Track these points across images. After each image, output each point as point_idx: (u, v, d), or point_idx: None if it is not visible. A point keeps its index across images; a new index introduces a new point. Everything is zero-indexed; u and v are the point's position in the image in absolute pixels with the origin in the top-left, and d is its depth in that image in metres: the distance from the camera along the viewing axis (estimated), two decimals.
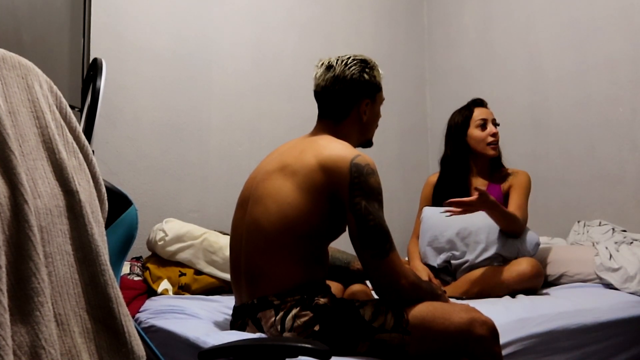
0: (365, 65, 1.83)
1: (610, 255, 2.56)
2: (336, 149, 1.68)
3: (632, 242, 2.70)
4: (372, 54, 3.84)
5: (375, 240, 1.59)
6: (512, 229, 2.55)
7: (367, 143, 1.94)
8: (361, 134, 1.88)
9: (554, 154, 3.33)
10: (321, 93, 1.84)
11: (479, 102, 2.84)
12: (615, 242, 2.70)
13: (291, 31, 3.46)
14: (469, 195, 2.61)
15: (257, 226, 1.67)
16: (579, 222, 3.07)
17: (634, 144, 2.99)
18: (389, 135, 3.81)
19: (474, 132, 2.75)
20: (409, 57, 4.04)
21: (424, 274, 2.60)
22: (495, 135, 2.73)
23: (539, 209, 3.32)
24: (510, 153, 3.40)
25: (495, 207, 2.44)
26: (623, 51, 3.05)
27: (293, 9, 3.48)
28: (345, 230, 1.76)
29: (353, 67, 1.81)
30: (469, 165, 2.80)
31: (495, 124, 2.77)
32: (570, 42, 3.28)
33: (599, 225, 2.94)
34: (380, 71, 1.88)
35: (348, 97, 1.81)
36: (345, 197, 1.61)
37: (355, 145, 1.86)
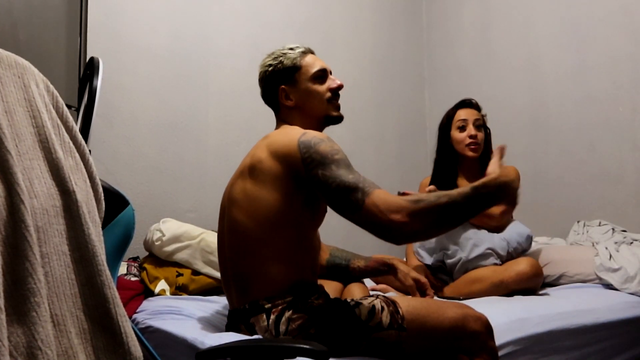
0: (269, 58, 1.89)
1: (610, 256, 2.56)
2: (283, 135, 1.69)
3: (632, 242, 2.70)
4: (370, 53, 3.87)
5: (344, 197, 1.51)
6: (486, 224, 2.57)
7: (329, 119, 1.87)
8: (307, 116, 1.84)
9: (554, 154, 3.33)
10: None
11: (465, 103, 2.82)
12: (615, 242, 2.70)
13: (289, 30, 3.45)
14: None
15: (235, 228, 1.68)
16: (578, 222, 3.07)
17: (634, 144, 2.99)
18: (387, 134, 3.81)
19: (454, 133, 2.74)
20: (408, 56, 4.04)
21: (420, 271, 2.61)
22: (474, 137, 2.69)
23: (539, 209, 3.31)
24: (509, 153, 3.38)
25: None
26: (623, 50, 3.05)
27: (291, 8, 3.47)
28: (323, 214, 1.77)
29: (260, 68, 1.91)
30: (455, 166, 2.79)
31: (479, 126, 2.73)
32: (570, 41, 3.28)
33: (599, 225, 2.94)
34: (295, 50, 1.88)
35: (267, 94, 1.89)
36: (306, 176, 1.59)
37: (319, 127, 1.85)
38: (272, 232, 1.63)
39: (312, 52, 1.91)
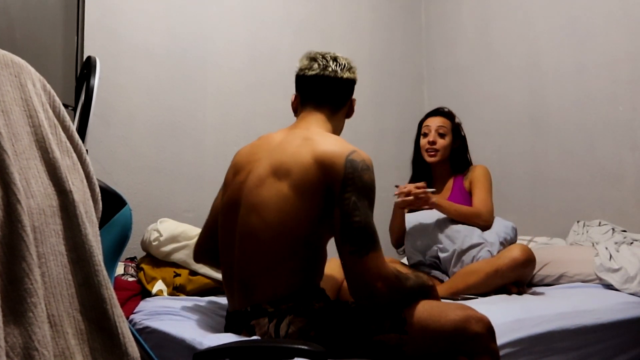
0: (350, 64, 1.90)
1: (610, 256, 2.56)
2: (332, 144, 1.65)
3: (632, 243, 2.70)
4: (369, 52, 3.86)
5: (357, 236, 1.53)
6: (473, 223, 2.62)
7: None
8: (340, 130, 1.91)
9: (553, 154, 3.32)
10: (326, 79, 1.84)
11: (434, 112, 2.92)
12: (615, 243, 2.69)
13: (287, 29, 3.44)
14: None
15: (253, 237, 1.63)
16: (578, 222, 3.07)
17: (634, 143, 2.98)
18: (386, 134, 3.81)
19: (420, 139, 2.88)
20: (407, 55, 4.04)
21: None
22: (432, 143, 2.79)
23: (538, 209, 3.31)
24: (509, 152, 3.39)
25: (444, 208, 2.59)
26: (623, 49, 3.04)
27: (289, 6, 3.47)
28: None
29: (352, 66, 1.90)
30: (428, 171, 2.91)
31: (442, 133, 2.81)
32: (570, 40, 3.27)
33: (599, 225, 2.93)
34: None
35: (348, 88, 1.89)
36: (337, 192, 1.57)
37: None
38: (295, 246, 1.61)
39: None
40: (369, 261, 1.51)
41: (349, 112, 1.93)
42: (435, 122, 2.83)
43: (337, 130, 1.87)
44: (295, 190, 1.60)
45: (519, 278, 2.44)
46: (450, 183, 2.85)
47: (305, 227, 1.60)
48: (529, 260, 2.43)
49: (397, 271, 1.58)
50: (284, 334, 1.55)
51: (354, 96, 1.93)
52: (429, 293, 1.69)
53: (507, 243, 2.61)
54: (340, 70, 1.85)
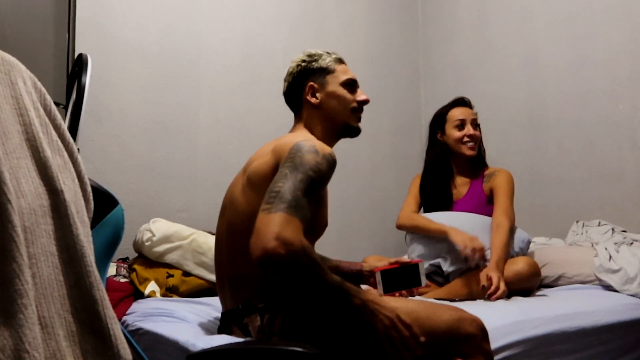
0: (303, 56, 1.89)
1: (610, 256, 2.54)
2: (291, 137, 1.67)
3: (632, 243, 2.68)
4: (365, 49, 3.85)
5: (272, 197, 1.42)
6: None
7: (348, 129, 1.86)
8: (328, 119, 1.83)
9: (552, 152, 3.31)
10: (284, 96, 1.93)
11: (459, 102, 2.86)
12: (615, 243, 2.68)
13: (282, 26, 3.43)
14: (451, 195, 2.77)
15: (234, 229, 1.65)
16: (577, 222, 3.05)
17: (634, 142, 2.97)
18: (382, 132, 3.80)
19: (452, 132, 2.79)
20: (403, 52, 4.03)
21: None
22: (472, 136, 2.74)
23: (537, 209, 3.30)
24: (507, 151, 3.39)
25: (502, 263, 2.39)
26: (623, 46, 3.03)
27: (284, 3, 3.45)
28: (323, 222, 1.73)
29: (291, 63, 1.90)
30: (449, 165, 2.84)
31: (476, 125, 2.78)
32: (569, 36, 3.26)
33: (598, 225, 2.92)
34: (331, 55, 1.89)
35: (293, 89, 1.88)
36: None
37: (336, 134, 1.86)
38: None
39: (344, 63, 1.92)
40: (274, 218, 1.37)
41: (312, 101, 1.83)
42: (469, 115, 2.79)
43: (316, 127, 1.83)
44: (255, 182, 1.62)
45: (522, 289, 2.41)
46: (468, 179, 2.81)
47: None
48: (533, 274, 2.42)
49: (314, 254, 1.42)
50: (277, 331, 1.54)
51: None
52: (351, 301, 1.43)
53: (516, 255, 2.58)
54: (284, 82, 1.91)
